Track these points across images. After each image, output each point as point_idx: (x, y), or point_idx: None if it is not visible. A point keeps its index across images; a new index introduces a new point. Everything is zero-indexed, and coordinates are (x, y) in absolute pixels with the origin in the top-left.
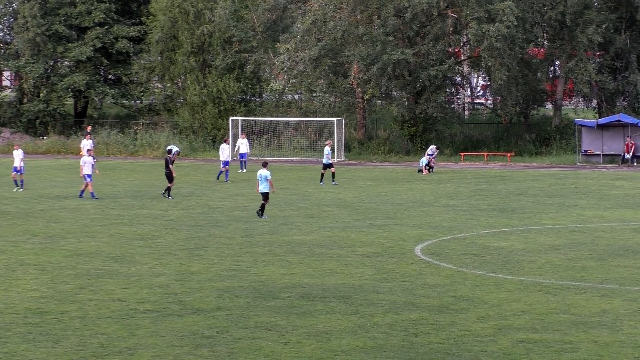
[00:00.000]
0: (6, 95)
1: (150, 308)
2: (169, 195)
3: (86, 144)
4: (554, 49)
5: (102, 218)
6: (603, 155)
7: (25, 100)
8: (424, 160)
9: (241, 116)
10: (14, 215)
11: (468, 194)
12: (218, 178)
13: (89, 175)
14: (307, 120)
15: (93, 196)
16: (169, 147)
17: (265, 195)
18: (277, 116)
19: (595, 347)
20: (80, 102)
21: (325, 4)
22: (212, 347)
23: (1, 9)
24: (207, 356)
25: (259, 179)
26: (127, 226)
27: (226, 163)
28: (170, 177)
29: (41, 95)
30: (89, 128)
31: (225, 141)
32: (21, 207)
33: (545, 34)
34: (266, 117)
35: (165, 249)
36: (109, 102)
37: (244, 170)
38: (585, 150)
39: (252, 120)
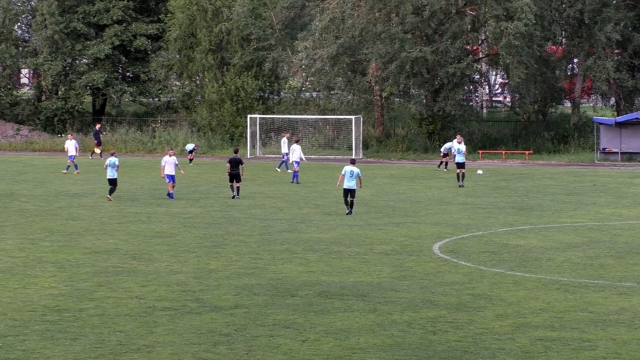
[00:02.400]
0: (24, 93)
1: (168, 306)
2: (238, 194)
3: (70, 144)
4: (572, 47)
5: (120, 216)
6: (621, 153)
7: (43, 97)
8: (447, 145)
9: (259, 114)
10: (32, 212)
11: (486, 192)
12: (294, 180)
13: (170, 176)
14: (325, 118)
15: (172, 197)
16: (235, 148)
17: (354, 193)
18: (295, 114)
19: (613, 345)
20: (99, 99)
21: (344, 2)
22: (230, 345)
23: (19, 6)
24: (226, 354)
25: (346, 174)
26: (145, 224)
27: (296, 163)
28: (238, 177)
29: (59, 92)
30: (99, 125)
31: (297, 141)
32: (39, 204)
33: (563, 32)
34: (284, 114)
35: (184, 247)
36: (127, 99)
37: (279, 170)
38: (604, 148)
39: (270, 118)
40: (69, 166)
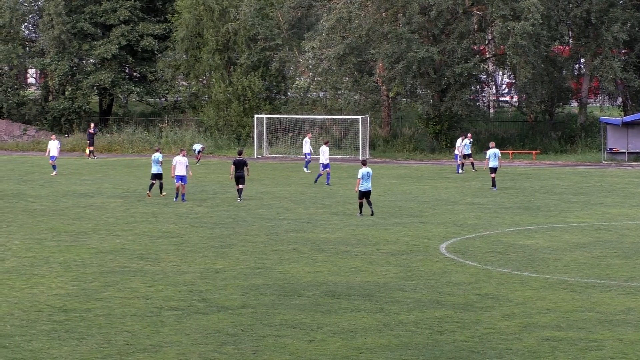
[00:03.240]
0: (31, 93)
1: (175, 306)
2: (240, 197)
3: (52, 144)
4: (579, 47)
5: (127, 216)
6: (628, 153)
7: (50, 97)
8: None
9: (266, 114)
10: (39, 212)
11: (493, 192)
12: (316, 181)
13: (180, 177)
14: (332, 118)
15: (183, 199)
16: (239, 149)
17: (370, 194)
18: (302, 114)
19: (620, 345)
20: (106, 99)
21: (351, 2)
22: (237, 345)
23: (26, 6)
24: (232, 354)
25: (362, 177)
26: (152, 224)
27: (326, 166)
28: (243, 179)
29: (66, 93)
30: (93, 125)
31: (326, 143)
32: (46, 204)
33: (570, 32)
34: (291, 114)
35: (190, 247)
36: (134, 99)
37: (309, 171)
38: (611, 148)
39: (277, 117)
40: (55, 167)
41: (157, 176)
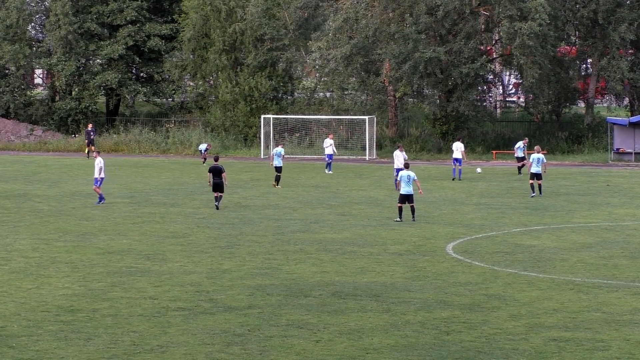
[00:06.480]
0: (38, 93)
1: (181, 306)
2: (218, 205)
3: None
4: (586, 47)
5: (134, 216)
6: (635, 153)
7: (57, 98)
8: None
9: (273, 114)
10: (46, 213)
11: (500, 192)
12: (397, 187)
13: (96, 180)
14: (338, 119)
15: (100, 198)
16: (215, 155)
17: (412, 198)
18: (308, 114)
19: (627, 346)
20: (112, 100)
21: (357, 2)
22: (244, 345)
23: (33, 7)
24: (239, 354)
25: (403, 179)
26: (158, 224)
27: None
28: (222, 187)
29: (73, 93)
30: (91, 125)
31: (400, 147)
32: (53, 205)
33: (577, 32)
34: (298, 115)
35: (197, 247)
36: (140, 100)
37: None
38: (618, 149)
39: (283, 118)
40: None
41: (277, 169)
